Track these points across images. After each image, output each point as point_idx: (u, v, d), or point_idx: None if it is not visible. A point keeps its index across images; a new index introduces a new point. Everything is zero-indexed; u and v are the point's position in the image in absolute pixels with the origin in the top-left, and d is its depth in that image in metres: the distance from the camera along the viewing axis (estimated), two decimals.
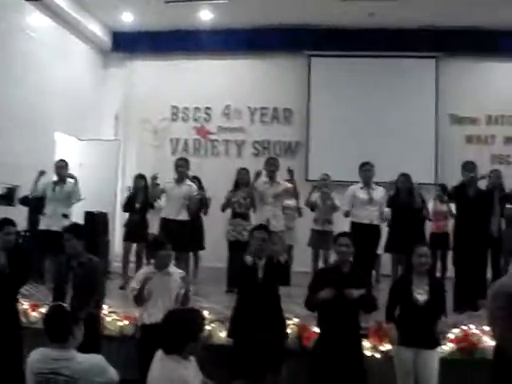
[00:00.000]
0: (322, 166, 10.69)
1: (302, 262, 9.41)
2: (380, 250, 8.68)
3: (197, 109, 13.23)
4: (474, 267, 7.58)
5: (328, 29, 12.39)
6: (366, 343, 6.04)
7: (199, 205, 8.81)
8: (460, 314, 6.97)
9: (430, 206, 9.50)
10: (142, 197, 9.19)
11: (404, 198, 8.32)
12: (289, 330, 6.09)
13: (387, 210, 8.39)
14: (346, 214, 8.13)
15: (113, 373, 3.68)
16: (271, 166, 8.19)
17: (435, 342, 5.27)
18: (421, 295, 5.22)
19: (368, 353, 6.05)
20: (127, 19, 12.20)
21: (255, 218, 8.17)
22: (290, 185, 8.22)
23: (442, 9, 11.10)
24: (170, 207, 8.41)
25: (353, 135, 12.37)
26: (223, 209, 8.74)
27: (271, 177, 8.11)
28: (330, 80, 12.80)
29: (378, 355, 6.07)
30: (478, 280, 7.54)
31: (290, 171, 8.16)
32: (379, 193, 8.11)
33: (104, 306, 6.48)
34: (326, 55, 12.87)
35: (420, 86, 12.65)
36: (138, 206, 9.20)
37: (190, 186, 8.50)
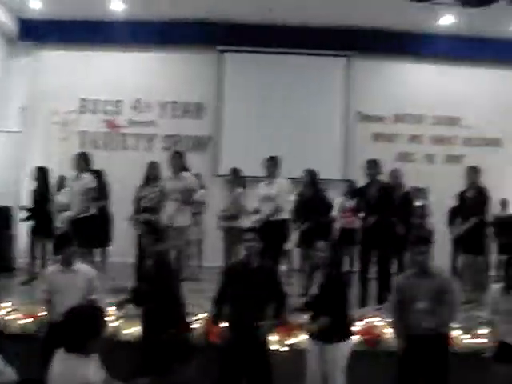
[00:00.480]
0: (233, 161, 10.67)
1: (213, 257, 9.41)
2: (291, 246, 8.72)
3: (107, 101, 12.93)
4: (379, 262, 7.78)
5: (240, 24, 12.36)
6: (273, 337, 6.09)
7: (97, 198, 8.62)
8: (365, 307, 7.13)
9: (338, 202, 9.68)
10: (39, 190, 8.97)
11: (309, 194, 8.35)
12: (197, 325, 6.08)
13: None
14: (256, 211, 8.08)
15: (10, 373, 3.57)
16: (175, 161, 8.05)
17: (339, 336, 5.37)
18: (314, 290, 5.36)
19: (275, 346, 6.11)
20: (35, 6, 11.69)
21: (163, 213, 8.02)
22: (194, 179, 8.17)
23: (355, 8, 11.28)
24: (73, 203, 8.25)
25: (264, 130, 12.42)
26: (135, 204, 8.65)
27: (176, 171, 7.98)
28: (242, 75, 12.83)
29: (284, 349, 6.14)
30: (382, 274, 7.75)
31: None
32: (279, 186, 7.94)
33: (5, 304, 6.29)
34: (238, 50, 12.87)
35: (330, 84, 12.89)
36: (36, 199, 8.98)
37: (85, 179, 8.33)
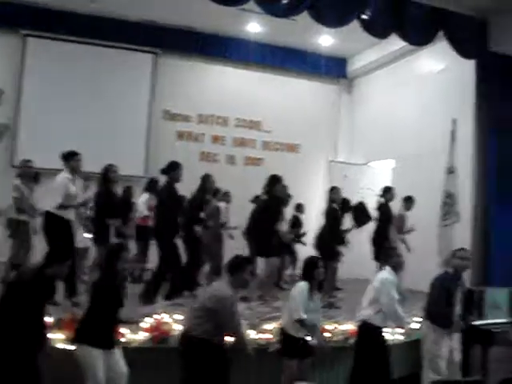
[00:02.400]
0: (31, 152, 10.14)
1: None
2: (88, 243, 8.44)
3: None
4: (173, 259, 7.80)
5: (48, 9, 11.85)
6: (59, 335, 5.89)
7: None
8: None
9: (143, 198, 9.67)
10: None
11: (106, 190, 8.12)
12: None
13: None
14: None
15: None
16: None
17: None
18: None
19: (61, 345, 5.90)
20: None
21: None
22: None
23: (165, 6, 11.25)
24: None
25: (66, 122, 11.99)
26: None
27: None
28: (47, 63, 12.24)
29: (72, 347, 5.94)
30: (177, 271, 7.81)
31: None
32: (79, 185, 7.75)
33: None
34: (44, 37, 12.27)
35: (137, 80, 12.79)
36: None
37: None
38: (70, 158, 7.47)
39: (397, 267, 6.31)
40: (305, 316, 5.84)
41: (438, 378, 6.25)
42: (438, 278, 6.73)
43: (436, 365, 6.42)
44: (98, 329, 5.20)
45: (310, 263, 6.06)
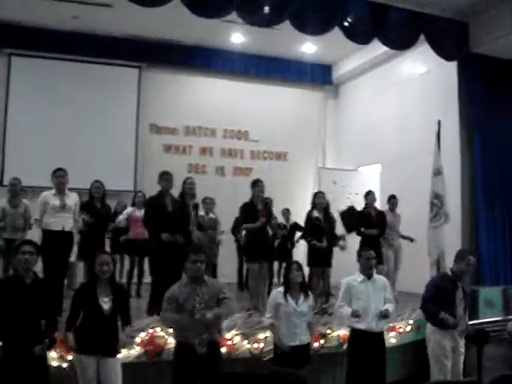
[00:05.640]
0: (20, 170, 10.16)
1: None
2: (73, 258, 8.42)
3: None
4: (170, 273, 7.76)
5: (31, 27, 11.83)
6: (52, 353, 5.89)
7: None
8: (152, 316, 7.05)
9: (128, 212, 9.64)
10: None
11: (98, 205, 8.16)
12: None
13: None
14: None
15: None
16: None
17: (116, 350, 5.39)
18: (105, 303, 5.27)
19: (54, 363, 5.90)
20: None
21: None
22: None
23: (147, 20, 11.25)
24: None
25: (53, 140, 12.00)
26: None
27: None
28: (32, 81, 12.29)
29: (64, 365, 5.94)
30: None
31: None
32: (72, 199, 7.66)
33: None
34: (29, 55, 12.28)
35: (123, 95, 12.83)
36: None
37: None
38: (52, 174, 7.64)
39: (363, 269, 6.30)
40: (270, 320, 5.86)
41: (442, 379, 6.28)
42: (434, 279, 6.78)
43: (441, 365, 6.46)
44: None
45: (285, 268, 6.11)
